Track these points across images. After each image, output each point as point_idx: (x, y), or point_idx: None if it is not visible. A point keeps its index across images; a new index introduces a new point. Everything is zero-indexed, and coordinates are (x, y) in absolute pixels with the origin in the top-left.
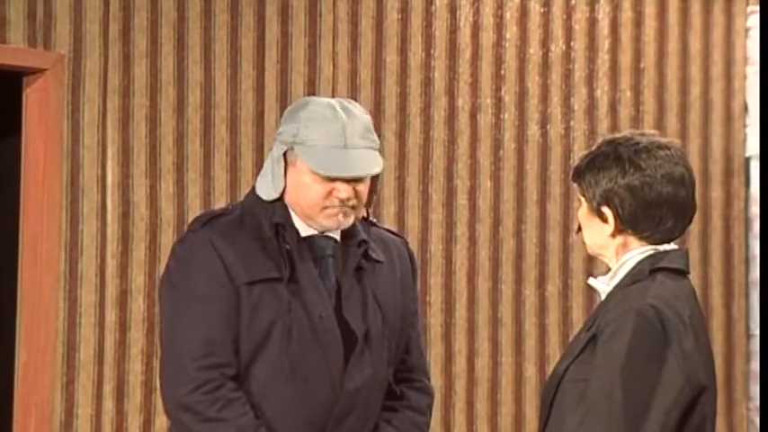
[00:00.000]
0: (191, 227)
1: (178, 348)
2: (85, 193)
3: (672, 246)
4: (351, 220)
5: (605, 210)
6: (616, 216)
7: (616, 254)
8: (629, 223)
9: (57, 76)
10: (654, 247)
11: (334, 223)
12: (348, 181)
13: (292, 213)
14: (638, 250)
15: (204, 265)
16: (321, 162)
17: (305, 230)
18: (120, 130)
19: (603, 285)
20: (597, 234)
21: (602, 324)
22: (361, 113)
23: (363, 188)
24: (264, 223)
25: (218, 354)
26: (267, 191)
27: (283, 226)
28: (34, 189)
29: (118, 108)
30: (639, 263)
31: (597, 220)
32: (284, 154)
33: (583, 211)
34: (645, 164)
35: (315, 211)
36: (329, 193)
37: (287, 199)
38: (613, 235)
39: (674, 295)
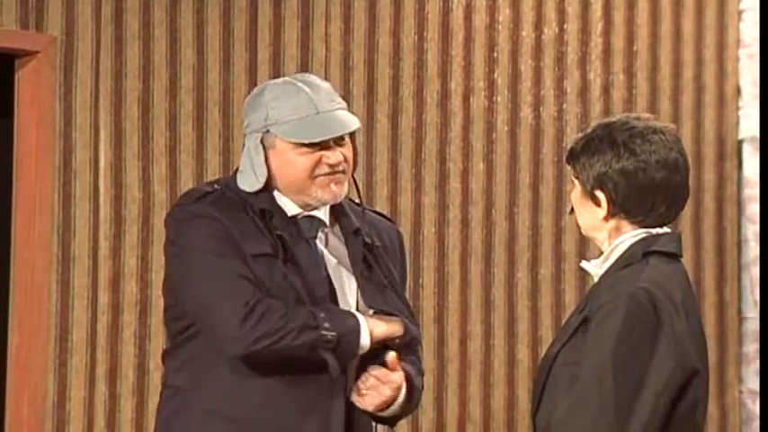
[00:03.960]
0: (182, 201)
1: (215, 293)
2: (78, 176)
3: (664, 229)
4: (344, 189)
5: (598, 193)
6: (609, 200)
7: (608, 237)
8: (621, 208)
9: (49, 59)
10: (646, 230)
11: (329, 194)
12: (332, 146)
13: (278, 196)
14: (631, 234)
15: (210, 229)
16: (301, 132)
17: (291, 211)
18: (113, 112)
19: (596, 268)
20: (590, 217)
21: (594, 307)
22: (320, 81)
23: (348, 151)
24: (252, 207)
25: (253, 286)
26: (251, 183)
27: (270, 211)
28: (27, 171)
29: (110, 90)
30: (632, 246)
31: (590, 204)
32: (261, 142)
33: (576, 194)
34: (639, 149)
35: (307, 185)
36: (317, 163)
37: (275, 185)
38: (606, 219)
39: (667, 279)
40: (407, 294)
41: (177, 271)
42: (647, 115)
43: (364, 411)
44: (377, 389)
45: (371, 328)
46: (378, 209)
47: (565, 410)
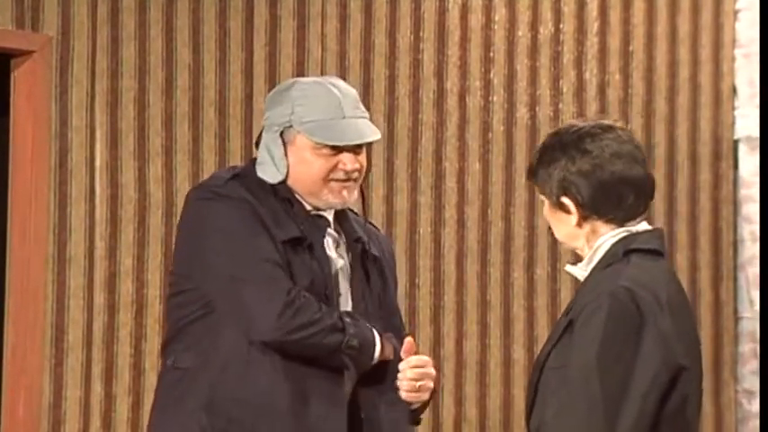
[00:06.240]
0: (209, 182)
1: (254, 272)
2: (74, 176)
3: (645, 226)
4: (354, 197)
5: (565, 200)
6: (576, 204)
7: (587, 241)
8: (590, 208)
9: (45, 58)
10: (627, 228)
11: (339, 199)
12: (351, 152)
13: (296, 195)
14: (611, 233)
15: (242, 210)
16: (325, 133)
17: (305, 206)
18: (109, 112)
19: (581, 271)
20: (564, 227)
21: (577, 309)
22: (348, 87)
23: (363, 159)
24: (275, 192)
25: (286, 274)
26: (272, 175)
27: (290, 201)
28: (23, 171)
29: (106, 90)
30: (613, 246)
31: (561, 213)
32: (280, 135)
33: (546, 209)
34: (590, 146)
35: (320, 187)
36: (334, 167)
37: (289, 180)
38: (579, 224)
39: (651, 276)
40: (403, 294)
41: (204, 252)
42: (596, 118)
43: (414, 411)
44: (425, 377)
45: (383, 345)
46: (374, 209)
47: (554, 413)
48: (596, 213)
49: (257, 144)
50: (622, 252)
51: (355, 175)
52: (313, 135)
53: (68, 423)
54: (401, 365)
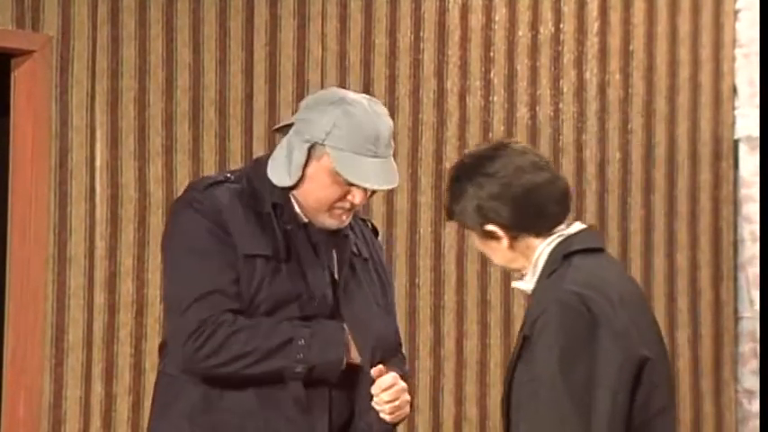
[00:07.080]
0: (193, 186)
1: (180, 302)
2: (74, 175)
3: (579, 226)
4: (349, 220)
5: (489, 227)
6: (501, 226)
7: (526, 259)
8: (516, 227)
9: (45, 58)
10: (560, 233)
11: (336, 223)
12: (366, 188)
13: (292, 200)
14: (546, 242)
15: (207, 222)
16: (352, 170)
17: (300, 214)
18: (109, 112)
19: (528, 285)
20: (499, 253)
21: (530, 322)
22: (387, 118)
23: (370, 192)
24: (266, 200)
25: (222, 300)
26: (280, 177)
27: (282, 206)
28: (23, 171)
29: (106, 90)
30: (552, 252)
31: (491, 241)
32: (309, 146)
33: (477, 241)
34: (492, 169)
35: (322, 209)
36: (343, 196)
37: (296, 189)
38: (511, 246)
39: (599, 276)
40: (403, 294)
41: (164, 262)
42: (488, 142)
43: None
44: (401, 393)
45: (353, 358)
46: (374, 209)
47: (526, 428)
48: (524, 230)
49: (279, 130)
50: (562, 256)
51: (359, 206)
52: (340, 167)
53: (68, 423)
54: (373, 390)
